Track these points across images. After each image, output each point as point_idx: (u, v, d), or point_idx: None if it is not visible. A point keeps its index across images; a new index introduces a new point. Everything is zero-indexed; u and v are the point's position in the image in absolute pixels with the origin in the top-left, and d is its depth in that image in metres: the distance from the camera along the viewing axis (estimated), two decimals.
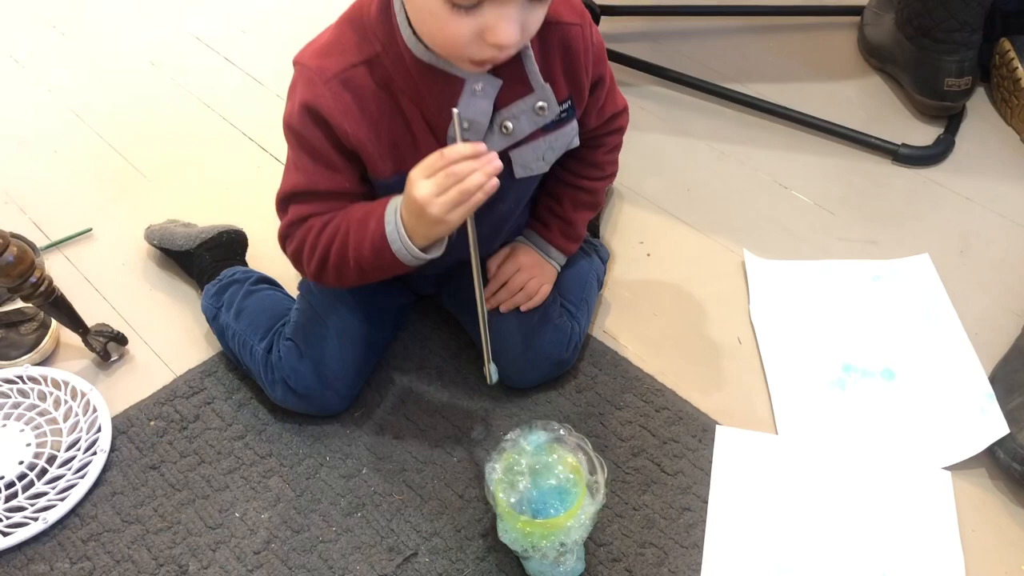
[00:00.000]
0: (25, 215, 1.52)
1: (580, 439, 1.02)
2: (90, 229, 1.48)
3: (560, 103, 1.07)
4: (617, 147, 1.24)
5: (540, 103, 1.04)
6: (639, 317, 1.35)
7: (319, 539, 1.09)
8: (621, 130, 1.23)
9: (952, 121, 1.65)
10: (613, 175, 1.26)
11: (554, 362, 1.21)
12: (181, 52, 1.92)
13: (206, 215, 1.46)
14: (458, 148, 0.89)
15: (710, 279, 1.41)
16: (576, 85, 1.08)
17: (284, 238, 1.07)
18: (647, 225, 1.50)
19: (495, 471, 1.00)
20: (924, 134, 1.63)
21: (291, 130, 1.02)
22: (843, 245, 1.45)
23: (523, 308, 1.19)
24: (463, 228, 0.99)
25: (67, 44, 1.94)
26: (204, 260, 1.34)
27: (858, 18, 1.86)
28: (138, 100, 1.79)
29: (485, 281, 1.21)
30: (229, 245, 1.36)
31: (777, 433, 1.19)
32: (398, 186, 0.97)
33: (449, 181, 0.89)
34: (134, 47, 1.93)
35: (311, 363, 1.16)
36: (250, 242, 1.41)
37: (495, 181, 0.89)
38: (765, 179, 1.58)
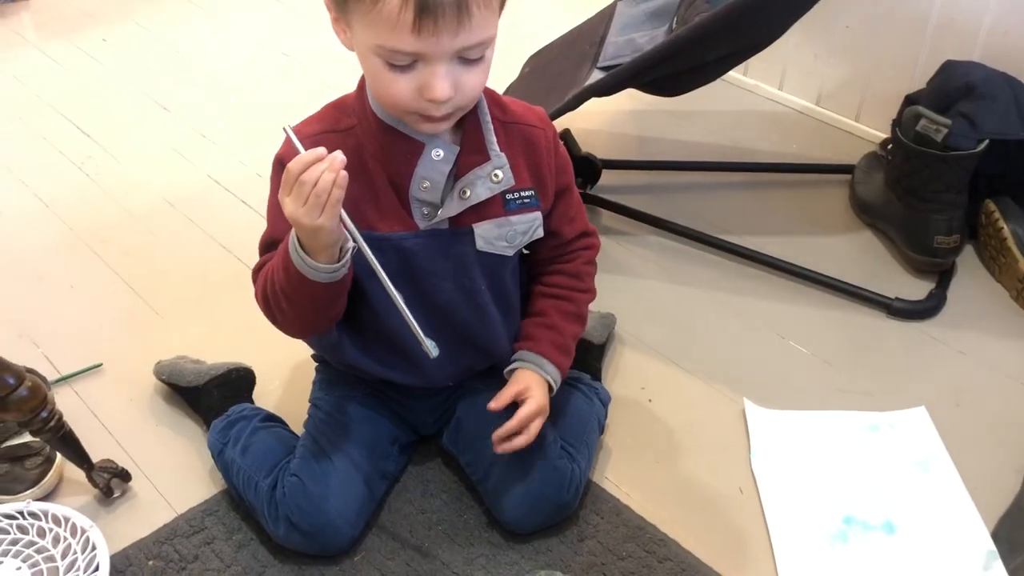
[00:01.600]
0: (38, 349, 1.55)
1: None
2: (100, 364, 1.51)
3: (523, 189, 1.15)
4: (592, 261, 1.31)
5: (495, 170, 1.11)
6: (641, 464, 1.36)
7: None
8: (594, 247, 1.31)
9: (943, 277, 1.71)
10: (592, 292, 1.30)
11: (555, 505, 1.21)
12: (198, 194, 1.99)
13: (215, 353, 1.48)
14: (298, 159, 0.96)
15: (711, 427, 1.43)
16: (539, 180, 1.17)
17: (254, 283, 1.15)
18: (648, 371, 1.53)
19: None
20: (916, 289, 1.69)
21: (270, 181, 1.12)
22: (840, 396, 1.48)
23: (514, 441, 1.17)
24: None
25: (91, 183, 2.02)
26: (212, 396, 1.36)
27: (849, 176, 1.95)
28: (154, 239, 1.85)
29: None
30: (237, 382, 1.39)
31: None
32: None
33: (305, 190, 0.94)
34: (153, 187, 2.00)
35: (314, 499, 1.16)
36: (258, 380, 1.44)
37: (344, 174, 0.95)
38: (763, 329, 1.62)
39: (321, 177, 0.94)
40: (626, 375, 1.53)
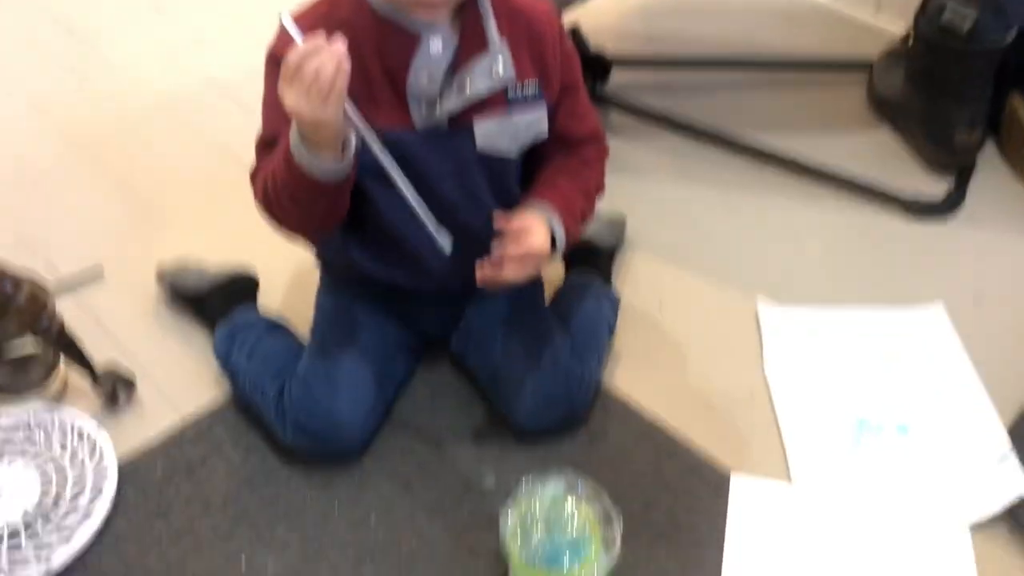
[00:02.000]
0: (37, 256, 1.52)
1: (595, 490, 1.00)
2: (102, 269, 1.48)
3: (526, 84, 1.08)
4: (602, 160, 1.23)
5: (496, 62, 1.05)
6: (652, 368, 1.34)
7: None
8: (604, 148, 1.24)
9: (963, 174, 1.66)
10: (602, 184, 1.23)
11: (566, 408, 1.20)
12: (198, 95, 1.94)
13: (218, 258, 1.45)
14: (297, 49, 0.90)
15: (723, 330, 1.40)
16: (543, 73, 1.10)
17: (253, 185, 1.10)
18: (659, 274, 1.50)
19: (509, 521, 0.99)
20: (935, 187, 1.64)
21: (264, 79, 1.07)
22: (855, 296, 1.44)
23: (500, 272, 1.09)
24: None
25: (85, 87, 1.96)
26: (216, 302, 1.33)
27: (867, 73, 1.88)
28: (153, 143, 1.81)
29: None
30: (241, 287, 1.36)
31: (792, 485, 1.17)
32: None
33: (306, 81, 0.89)
34: (152, 89, 1.95)
35: (322, 403, 1.15)
36: (262, 285, 1.41)
37: (346, 61, 0.90)
38: (778, 230, 1.58)
39: (323, 66, 0.89)
40: (637, 279, 1.49)
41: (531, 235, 1.07)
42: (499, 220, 1.08)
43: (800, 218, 1.60)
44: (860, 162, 1.70)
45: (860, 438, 1.23)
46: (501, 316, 1.21)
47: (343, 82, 0.90)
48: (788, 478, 1.18)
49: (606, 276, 1.43)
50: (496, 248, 1.07)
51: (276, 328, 1.29)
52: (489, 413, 1.26)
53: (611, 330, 1.33)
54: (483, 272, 1.08)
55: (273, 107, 0.99)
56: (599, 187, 1.23)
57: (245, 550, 1.10)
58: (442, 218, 1.10)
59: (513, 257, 1.07)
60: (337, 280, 1.28)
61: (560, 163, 1.18)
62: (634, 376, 1.32)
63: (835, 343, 1.36)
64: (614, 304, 1.34)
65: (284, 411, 1.16)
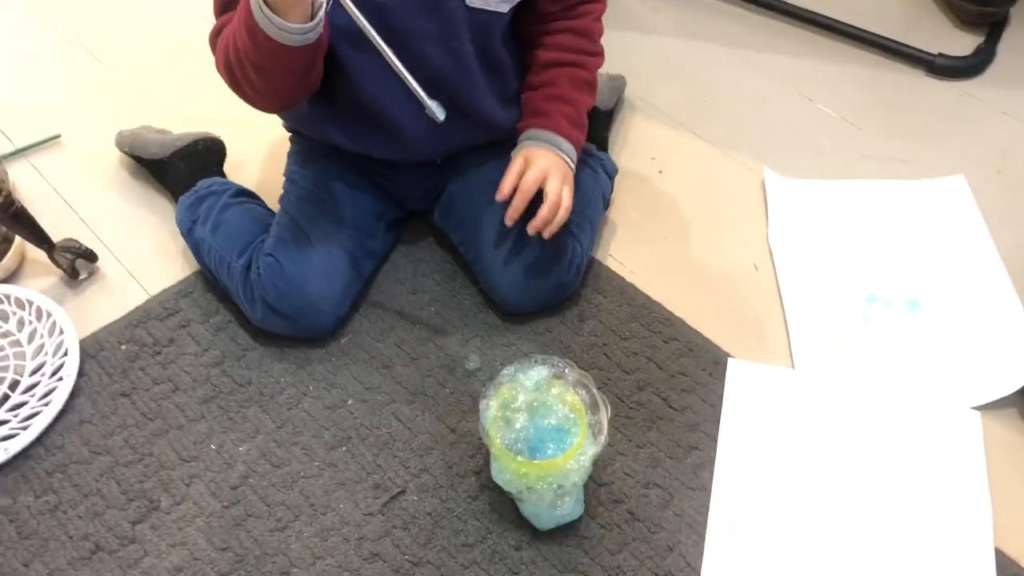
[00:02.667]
0: None
1: (582, 375, 0.94)
2: (58, 135, 1.38)
3: None
4: (599, 19, 1.12)
5: None
6: (648, 240, 1.25)
7: (300, 474, 1.02)
8: (603, 1, 1.12)
9: (993, 29, 1.52)
10: (602, 54, 1.13)
11: (554, 284, 1.11)
12: None
13: (182, 122, 1.34)
14: None
15: (727, 199, 1.31)
16: None
17: (213, 50, 1.00)
18: (660, 139, 1.39)
19: (490, 407, 0.92)
20: (962, 43, 1.50)
21: None
22: (870, 163, 1.34)
23: (554, 220, 1.05)
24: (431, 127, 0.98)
25: None
26: (179, 170, 1.24)
27: None
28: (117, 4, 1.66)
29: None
30: (205, 154, 1.26)
31: (794, 367, 1.11)
32: None
33: None
34: None
35: (294, 280, 1.07)
36: (229, 152, 1.31)
37: None
38: (789, 90, 1.46)
39: None
40: (635, 144, 1.39)
41: (548, 194, 1.04)
42: (506, 182, 1.04)
43: (813, 77, 1.48)
44: (881, 16, 1.56)
45: (868, 313, 1.15)
46: (485, 187, 1.11)
47: None
48: (791, 361, 1.11)
49: (602, 141, 1.33)
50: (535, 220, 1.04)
51: (242, 197, 1.19)
52: (474, 289, 1.18)
53: (606, 202, 1.23)
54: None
55: None
56: (601, 60, 1.13)
57: (215, 433, 1.05)
58: (425, 83, 0.98)
59: (547, 223, 1.04)
60: (309, 149, 1.18)
61: (561, 44, 1.08)
62: (629, 249, 1.24)
63: (846, 217, 1.27)
64: (610, 173, 1.24)
65: (252, 289, 1.08)
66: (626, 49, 1.48)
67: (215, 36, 0.98)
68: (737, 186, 1.32)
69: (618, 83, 1.40)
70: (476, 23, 1.01)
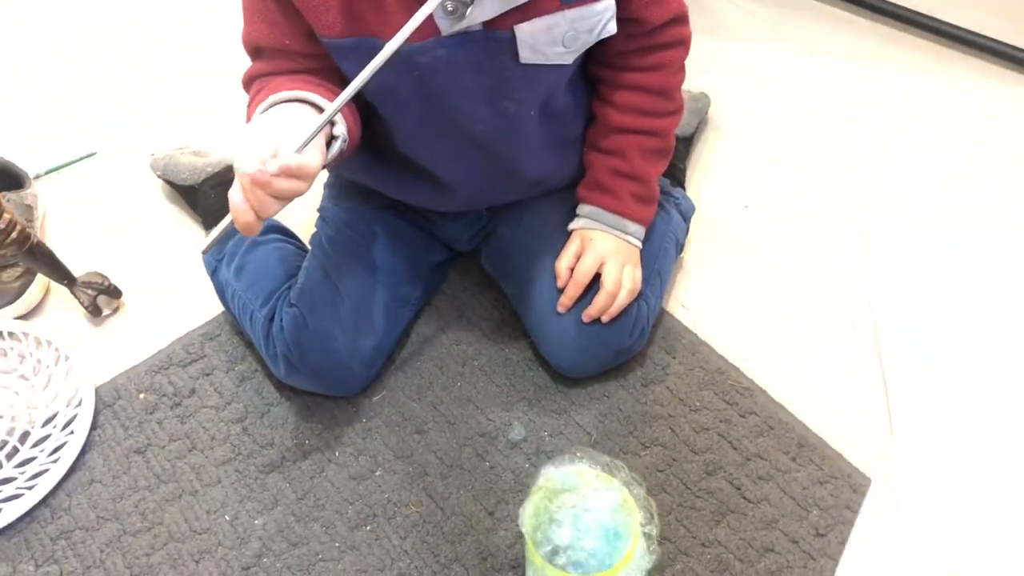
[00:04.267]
0: (19, 140, 1.34)
1: (633, 478, 0.80)
2: (94, 153, 1.30)
3: None
4: (682, 67, 0.95)
5: None
6: (728, 290, 1.10)
7: (319, 556, 0.91)
8: (686, 43, 0.93)
9: None
10: (681, 109, 0.97)
11: (614, 350, 0.97)
12: None
13: (220, 142, 1.25)
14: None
15: (822, 247, 1.13)
16: None
17: (246, 91, 0.89)
18: (746, 169, 1.23)
19: (527, 512, 0.80)
20: None
21: None
22: (1007, 214, 1.15)
23: (619, 304, 0.95)
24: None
25: None
26: (209, 199, 1.14)
27: None
28: (146, 13, 1.58)
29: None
30: None
31: (894, 449, 0.94)
32: (356, 52, 0.78)
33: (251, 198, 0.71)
34: None
35: (318, 336, 0.95)
36: None
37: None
38: (908, 115, 1.27)
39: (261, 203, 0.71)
40: (718, 175, 1.22)
41: (604, 283, 0.94)
42: (560, 265, 0.96)
43: (941, 98, 1.28)
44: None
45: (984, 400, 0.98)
46: (539, 235, 0.97)
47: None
48: (891, 433, 0.95)
49: (678, 174, 1.17)
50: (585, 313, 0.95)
51: (273, 234, 1.08)
52: (524, 343, 1.05)
53: (679, 246, 1.08)
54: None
55: (252, 15, 0.82)
56: (679, 118, 0.98)
57: (231, 502, 0.95)
58: (477, 148, 0.88)
59: (603, 311, 0.95)
60: (346, 184, 1.06)
61: (632, 105, 0.93)
62: (705, 301, 1.08)
63: (966, 284, 1.08)
64: (686, 214, 1.09)
65: (274, 344, 0.97)
66: (712, 60, 1.31)
67: (248, 82, 0.87)
68: (835, 233, 1.15)
69: (700, 103, 1.24)
70: (534, 78, 0.85)
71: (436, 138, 0.86)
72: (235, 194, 0.71)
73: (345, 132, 0.79)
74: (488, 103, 0.84)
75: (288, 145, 0.70)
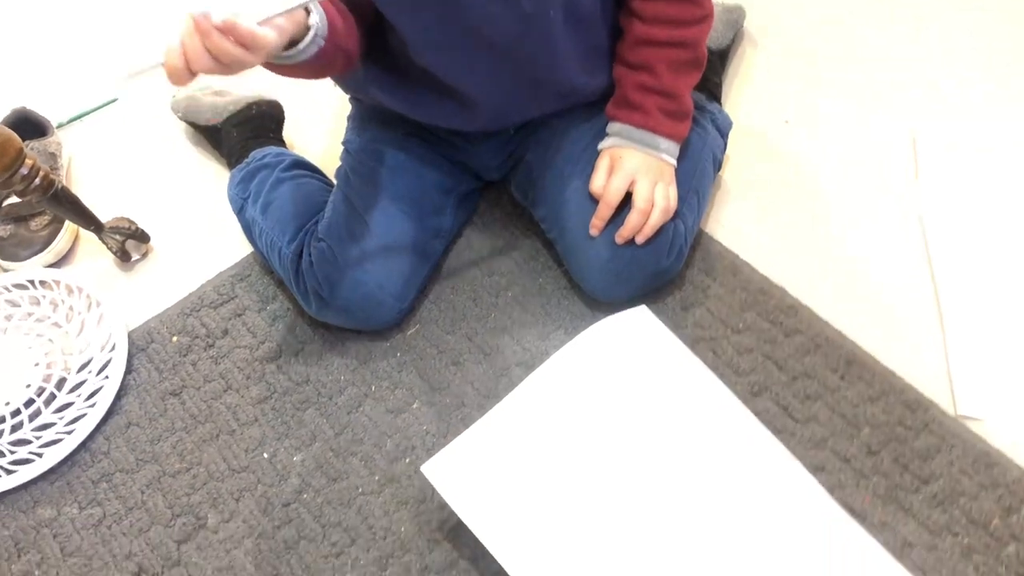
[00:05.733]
0: (41, 89, 1.33)
1: None
2: (115, 99, 1.28)
3: None
4: None
5: None
6: (770, 209, 1.06)
7: (359, 490, 0.90)
8: None
9: None
10: (709, 16, 0.92)
11: (650, 272, 0.94)
12: None
13: (240, 81, 1.21)
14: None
15: (867, 158, 1.09)
16: None
17: None
18: (786, 82, 1.17)
19: None
20: None
21: None
22: None
23: (647, 225, 0.91)
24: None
25: None
26: (232, 138, 1.12)
27: None
28: None
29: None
30: (260, 120, 1.13)
31: (950, 372, 0.90)
32: None
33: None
34: None
35: (348, 270, 0.93)
36: (289, 116, 1.18)
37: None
38: (951, 14, 1.21)
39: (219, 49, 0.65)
40: (755, 89, 1.17)
41: (635, 202, 0.90)
42: (594, 184, 0.92)
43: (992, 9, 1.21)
44: None
45: None
46: (569, 157, 0.94)
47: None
48: (946, 364, 0.91)
49: (714, 88, 1.12)
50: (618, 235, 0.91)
51: (298, 170, 1.05)
52: (559, 271, 1.02)
53: (717, 164, 1.03)
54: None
55: None
56: (709, 24, 0.92)
57: (269, 439, 0.94)
58: (496, 52, 0.84)
59: (636, 231, 0.91)
60: (368, 112, 1.03)
61: (659, 16, 0.89)
62: (746, 221, 1.04)
63: (1018, 186, 1.03)
64: (723, 129, 1.04)
65: (304, 280, 0.95)
66: None
67: None
68: (882, 144, 1.10)
69: (735, 15, 1.18)
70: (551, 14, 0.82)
71: (454, 47, 0.82)
72: (173, 36, 0.67)
73: (323, 26, 0.74)
74: (505, 5, 0.80)
75: (251, 14, 0.67)
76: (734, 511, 0.78)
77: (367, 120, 1.02)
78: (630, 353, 0.86)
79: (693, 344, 0.94)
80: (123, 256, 1.08)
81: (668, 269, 0.95)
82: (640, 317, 0.91)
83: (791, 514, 0.79)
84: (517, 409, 0.83)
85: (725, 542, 0.76)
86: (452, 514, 0.86)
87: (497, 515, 0.77)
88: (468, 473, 0.80)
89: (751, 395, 0.90)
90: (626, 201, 0.91)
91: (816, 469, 0.85)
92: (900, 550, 0.80)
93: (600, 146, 0.93)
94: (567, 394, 0.84)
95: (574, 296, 1.00)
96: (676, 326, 0.96)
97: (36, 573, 0.87)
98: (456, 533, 0.85)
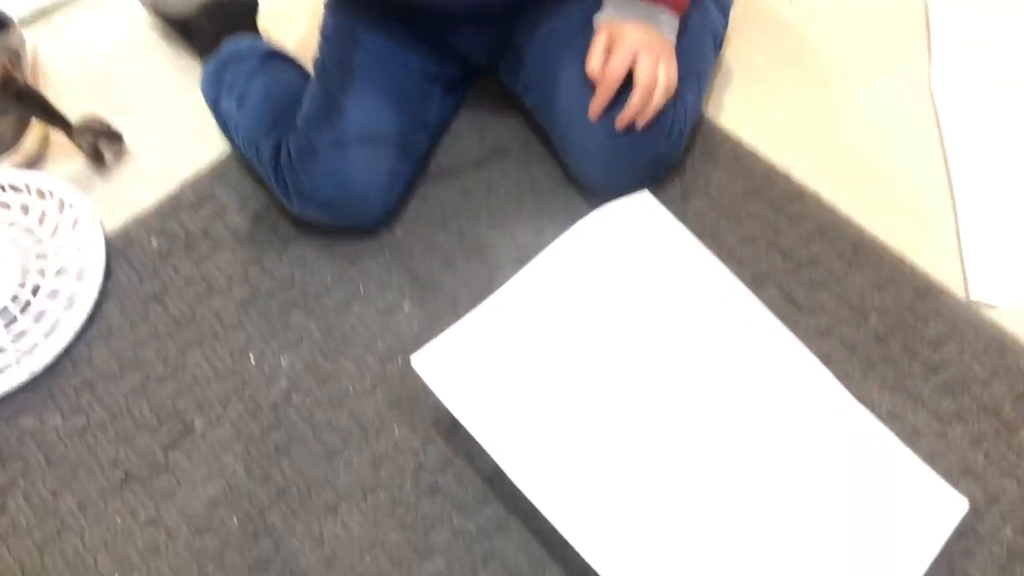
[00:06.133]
0: None
1: None
2: None
3: None
4: None
5: None
6: (773, 92, 1.00)
7: (350, 391, 0.87)
8: None
9: None
10: None
11: (649, 157, 0.89)
12: None
13: None
14: None
15: (875, 35, 1.03)
16: None
17: None
18: None
19: None
20: None
21: None
22: None
23: (649, 107, 0.85)
24: None
25: None
26: (204, 29, 1.05)
27: None
28: None
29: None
30: (233, 8, 1.06)
31: (962, 257, 0.86)
32: None
33: None
34: None
35: (329, 164, 0.89)
36: (263, 4, 1.10)
37: None
38: None
39: None
40: None
41: (638, 79, 0.83)
42: (591, 63, 0.85)
43: None
44: None
45: None
46: (561, 39, 0.88)
47: None
48: (959, 250, 0.87)
49: None
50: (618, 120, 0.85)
51: (273, 61, 1.00)
52: (553, 162, 0.98)
53: (718, 43, 0.97)
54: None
55: None
56: None
57: (255, 342, 0.91)
58: None
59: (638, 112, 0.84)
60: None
61: None
62: (748, 104, 0.99)
63: None
64: (724, 7, 0.98)
65: (284, 176, 0.90)
66: None
67: None
68: (892, 20, 1.03)
69: None
70: None
71: None
72: None
73: None
74: None
75: None
76: (741, 399, 0.75)
77: (344, 4, 0.95)
78: (632, 239, 0.82)
79: (697, 231, 0.90)
80: (96, 158, 1.03)
81: (667, 154, 0.90)
82: (642, 202, 0.86)
83: (800, 401, 0.76)
84: (514, 298, 0.79)
85: (731, 432, 0.73)
86: (446, 413, 0.83)
87: (490, 409, 0.74)
88: (460, 365, 0.77)
89: (754, 285, 0.87)
90: (624, 85, 0.86)
91: (823, 359, 0.82)
92: (909, 439, 0.78)
93: (596, 19, 0.87)
94: (565, 283, 0.80)
95: (570, 189, 0.96)
96: (676, 216, 0.92)
97: (21, 482, 0.85)
98: (451, 432, 0.83)
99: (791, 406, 0.76)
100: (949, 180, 0.91)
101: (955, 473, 0.76)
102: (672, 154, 0.91)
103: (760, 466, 0.72)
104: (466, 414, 0.74)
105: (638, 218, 0.86)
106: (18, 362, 0.91)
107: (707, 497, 0.71)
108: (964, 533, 0.74)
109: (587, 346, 0.77)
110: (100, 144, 1.03)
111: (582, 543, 0.69)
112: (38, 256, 0.97)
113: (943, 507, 0.72)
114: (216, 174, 1.02)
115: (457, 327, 0.78)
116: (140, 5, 1.14)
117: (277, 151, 0.91)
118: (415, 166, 0.96)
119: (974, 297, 0.84)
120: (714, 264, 0.83)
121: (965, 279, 0.85)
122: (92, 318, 0.94)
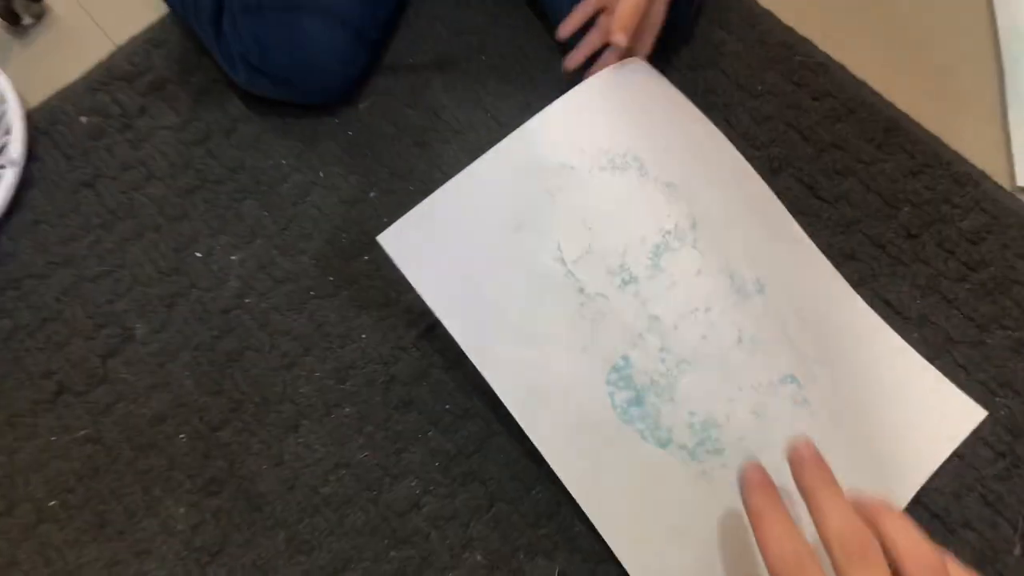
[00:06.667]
0: None
1: None
2: None
3: None
4: None
5: None
6: None
7: (311, 293, 0.77)
8: None
9: None
10: None
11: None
12: None
13: None
14: None
15: None
16: None
17: None
18: None
19: None
20: None
21: None
22: None
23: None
24: None
25: None
26: None
27: None
28: None
29: None
30: None
31: (1011, 146, 0.76)
32: None
33: None
34: None
35: (280, 28, 0.75)
36: None
37: None
38: None
39: None
40: None
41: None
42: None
43: None
44: None
45: None
46: None
47: None
48: (1005, 135, 0.76)
49: None
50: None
51: None
52: (541, 27, 0.85)
53: None
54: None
55: None
56: None
57: (201, 236, 0.80)
58: None
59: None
60: None
61: None
62: None
63: None
64: None
65: (228, 43, 0.77)
66: None
67: None
68: None
69: None
70: None
71: None
72: None
73: None
74: None
75: None
76: (738, 296, 0.65)
77: None
78: (625, 111, 0.69)
79: (703, 111, 0.79)
80: (10, 18, 0.89)
81: (673, 20, 0.77)
82: (637, 70, 0.74)
83: (809, 306, 0.67)
84: (492, 170, 0.68)
85: (725, 328, 0.63)
86: (421, 317, 0.74)
87: (465, 294, 0.64)
88: (432, 242, 0.66)
89: (770, 172, 0.76)
90: None
91: (846, 257, 0.72)
92: (941, 346, 0.69)
93: None
94: (548, 156, 0.68)
95: (560, 56, 0.83)
96: (684, 90, 0.79)
97: None
98: (426, 338, 0.73)
99: (799, 309, 0.66)
100: (997, 51, 0.79)
101: (992, 385, 0.68)
102: (679, 17, 0.78)
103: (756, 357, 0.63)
104: (438, 300, 0.64)
105: (633, 88, 0.73)
106: None
107: (700, 391, 0.62)
108: (1002, 454, 0.66)
109: (568, 222, 0.66)
110: (14, 2, 0.89)
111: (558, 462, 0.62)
112: None
113: (958, 412, 0.66)
114: (153, 41, 0.88)
115: (430, 201, 0.66)
116: None
117: (219, 14, 0.77)
118: (382, 30, 0.83)
119: (1021, 184, 0.74)
120: (719, 140, 0.72)
121: (1012, 164, 0.74)
122: (13, 207, 0.82)
